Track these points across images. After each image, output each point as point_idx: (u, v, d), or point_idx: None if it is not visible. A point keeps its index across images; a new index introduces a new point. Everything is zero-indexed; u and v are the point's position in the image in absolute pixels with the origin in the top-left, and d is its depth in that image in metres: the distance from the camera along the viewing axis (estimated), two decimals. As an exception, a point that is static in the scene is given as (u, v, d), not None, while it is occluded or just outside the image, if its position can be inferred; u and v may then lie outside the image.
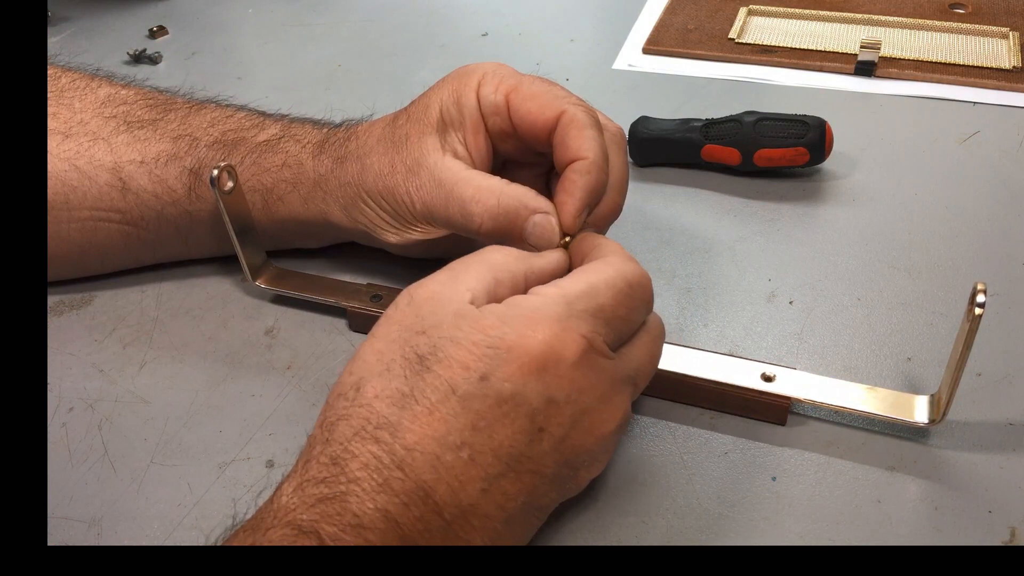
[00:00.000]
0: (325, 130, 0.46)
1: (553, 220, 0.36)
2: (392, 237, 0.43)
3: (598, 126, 0.37)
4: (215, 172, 0.41)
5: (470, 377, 0.29)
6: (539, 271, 0.34)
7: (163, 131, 0.45)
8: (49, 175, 0.43)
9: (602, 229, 0.40)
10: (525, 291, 0.33)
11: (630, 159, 0.56)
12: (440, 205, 0.39)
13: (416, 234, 0.42)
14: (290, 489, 0.29)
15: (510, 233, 0.37)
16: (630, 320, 0.33)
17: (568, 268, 0.36)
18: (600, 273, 0.32)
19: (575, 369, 0.30)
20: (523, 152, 0.41)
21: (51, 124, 0.45)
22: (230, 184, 0.42)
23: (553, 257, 0.36)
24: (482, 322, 0.30)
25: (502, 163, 0.42)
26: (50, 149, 0.44)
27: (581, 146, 0.36)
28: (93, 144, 0.44)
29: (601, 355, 0.31)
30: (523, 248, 0.37)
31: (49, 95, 0.46)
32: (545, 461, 0.30)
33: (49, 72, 0.47)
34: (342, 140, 0.44)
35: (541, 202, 0.37)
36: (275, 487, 0.30)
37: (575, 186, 0.36)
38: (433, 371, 0.29)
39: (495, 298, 0.32)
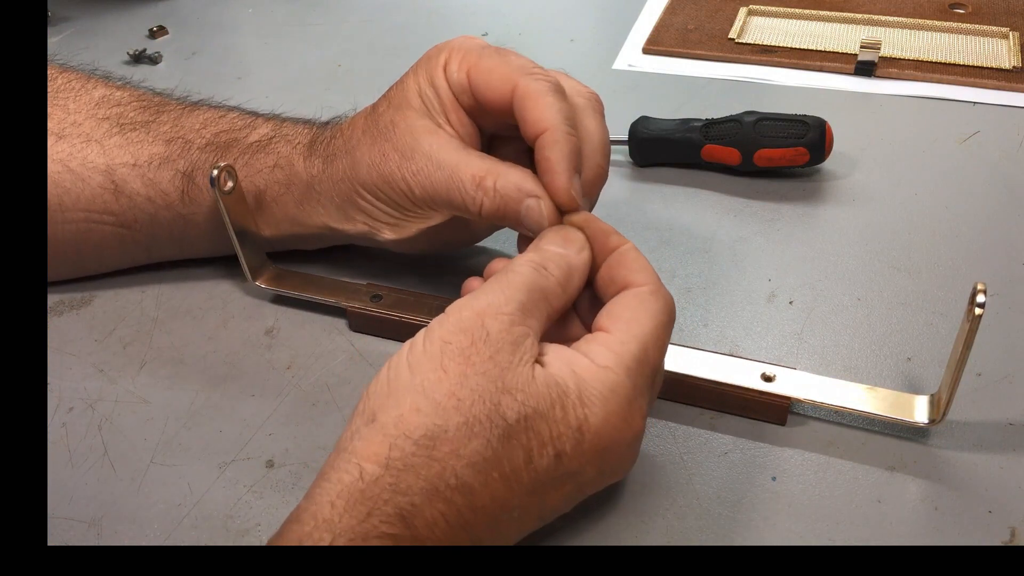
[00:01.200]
0: (315, 129, 0.45)
1: (543, 203, 0.36)
2: (390, 233, 0.43)
3: (556, 91, 0.36)
4: (215, 172, 0.41)
5: (546, 452, 0.30)
6: (571, 295, 0.35)
7: (156, 133, 0.45)
8: None
9: (592, 196, 0.39)
10: (562, 304, 0.34)
11: (630, 159, 0.56)
12: (441, 188, 0.38)
13: (414, 224, 0.42)
14: (344, 524, 0.28)
15: (506, 217, 0.37)
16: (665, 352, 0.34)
17: (590, 263, 0.35)
18: (645, 325, 0.33)
19: (631, 446, 0.33)
20: (502, 126, 0.40)
21: None
22: (230, 184, 0.42)
23: (575, 284, 0.35)
24: (566, 399, 0.30)
25: (489, 139, 0.42)
26: None
27: (540, 117, 0.35)
28: (86, 146, 0.44)
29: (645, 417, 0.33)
30: (520, 230, 0.38)
31: None
32: (574, 504, 0.33)
33: (46, 72, 0.47)
34: (328, 139, 0.43)
35: (534, 186, 0.36)
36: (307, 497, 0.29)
37: (550, 162, 0.35)
38: (516, 440, 0.30)
39: (546, 329, 0.33)
